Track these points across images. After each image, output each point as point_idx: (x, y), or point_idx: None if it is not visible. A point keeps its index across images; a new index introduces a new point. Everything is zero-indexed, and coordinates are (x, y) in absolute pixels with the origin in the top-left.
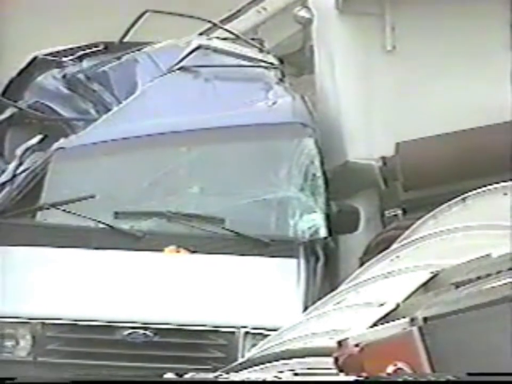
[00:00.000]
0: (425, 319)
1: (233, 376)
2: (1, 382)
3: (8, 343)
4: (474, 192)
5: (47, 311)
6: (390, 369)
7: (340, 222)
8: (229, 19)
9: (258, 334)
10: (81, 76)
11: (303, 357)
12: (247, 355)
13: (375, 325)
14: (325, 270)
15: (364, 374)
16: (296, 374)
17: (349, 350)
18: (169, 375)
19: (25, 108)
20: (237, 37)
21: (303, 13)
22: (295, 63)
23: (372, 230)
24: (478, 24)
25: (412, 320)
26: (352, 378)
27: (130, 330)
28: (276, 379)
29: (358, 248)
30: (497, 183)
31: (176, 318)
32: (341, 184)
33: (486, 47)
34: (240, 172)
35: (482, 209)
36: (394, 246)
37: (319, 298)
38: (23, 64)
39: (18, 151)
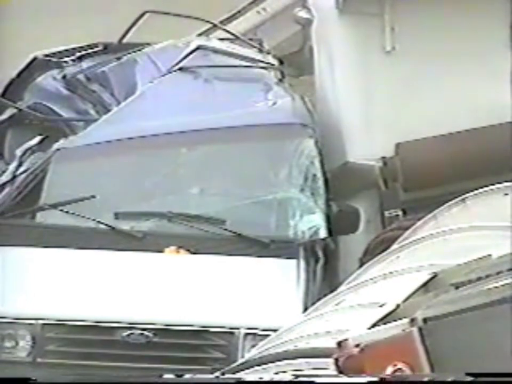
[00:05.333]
0: (425, 320)
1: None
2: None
3: (8, 344)
4: (474, 192)
5: (46, 311)
6: (389, 369)
7: (340, 223)
8: (228, 20)
9: (258, 335)
10: (80, 76)
11: (303, 357)
12: (247, 356)
13: (375, 325)
14: (325, 270)
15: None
16: (295, 375)
17: (349, 351)
18: (168, 376)
19: (25, 108)
20: (236, 37)
21: (302, 14)
22: (295, 64)
23: (372, 231)
24: (478, 24)
25: (412, 320)
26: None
27: (130, 331)
28: (275, 379)
29: (358, 248)
30: (497, 183)
31: (176, 318)
32: (341, 184)
33: (486, 47)
34: (240, 173)
35: (482, 210)
36: (394, 246)
37: (319, 299)
38: (22, 65)
39: (18, 152)
